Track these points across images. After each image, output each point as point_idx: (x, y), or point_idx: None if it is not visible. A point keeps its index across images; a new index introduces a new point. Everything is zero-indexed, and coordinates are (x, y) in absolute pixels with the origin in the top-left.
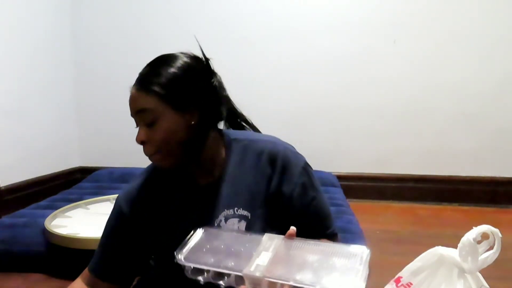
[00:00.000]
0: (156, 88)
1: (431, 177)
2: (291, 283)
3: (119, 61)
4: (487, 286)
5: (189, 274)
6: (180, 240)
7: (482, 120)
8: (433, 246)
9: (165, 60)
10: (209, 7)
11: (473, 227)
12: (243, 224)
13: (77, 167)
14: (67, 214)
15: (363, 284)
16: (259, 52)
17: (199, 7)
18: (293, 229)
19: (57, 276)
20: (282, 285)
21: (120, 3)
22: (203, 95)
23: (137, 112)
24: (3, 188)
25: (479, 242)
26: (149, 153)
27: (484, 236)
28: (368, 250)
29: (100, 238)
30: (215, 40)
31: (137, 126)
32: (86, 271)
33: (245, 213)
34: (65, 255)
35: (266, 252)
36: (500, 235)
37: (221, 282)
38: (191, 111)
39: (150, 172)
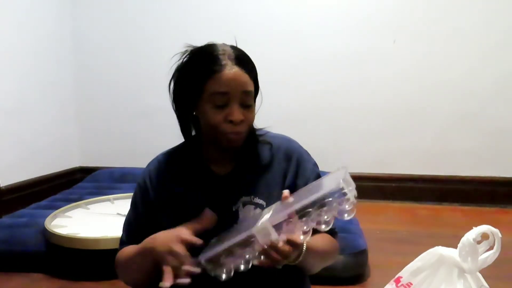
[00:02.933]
0: (254, 78)
1: (431, 177)
2: (294, 207)
3: (119, 61)
4: (487, 286)
5: (212, 272)
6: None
7: (482, 120)
8: (433, 246)
9: (246, 53)
10: (207, 7)
11: (473, 227)
12: (257, 212)
13: (77, 167)
14: (67, 214)
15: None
16: (258, 52)
17: (197, 8)
18: (286, 191)
19: (57, 276)
20: (288, 219)
21: (120, 4)
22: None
23: (245, 92)
24: (3, 188)
25: (479, 242)
26: (243, 131)
27: (484, 236)
28: (346, 168)
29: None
30: (213, 40)
31: (225, 104)
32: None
33: (260, 201)
34: (65, 255)
35: (267, 214)
36: (500, 235)
37: (241, 267)
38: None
39: (166, 159)
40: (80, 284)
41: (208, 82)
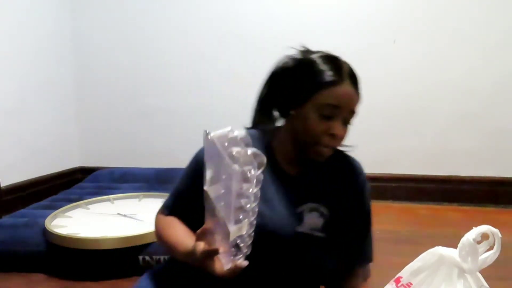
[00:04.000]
0: (360, 97)
1: (431, 177)
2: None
3: (119, 61)
4: (487, 286)
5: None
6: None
7: (482, 120)
8: (433, 246)
9: (357, 76)
10: (207, 7)
11: (473, 227)
12: (321, 221)
13: (77, 167)
14: (67, 214)
15: None
16: (258, 52)
17: (197, 8)
18: None
19: (57, 276)
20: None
21: (120, 4)
22: None
23: (352, 111)
24: (3, 188)
25: (479, 243)
26: (336, 146)
27: (484, 236)
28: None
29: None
30: (213, 40)
31: (332, 117)
32: (162, 213)
33: (325, 211)
34: (65, 255)
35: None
36: (500, 235)
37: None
38: None
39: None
40: (80, 284)
41: (323, 91)
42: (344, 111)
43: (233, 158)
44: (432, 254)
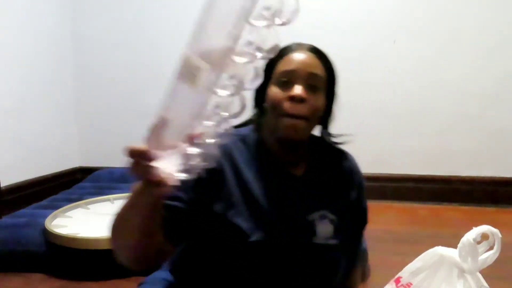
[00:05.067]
0: (327, 66)
1: (431, 177)
2: None
3: (119, 61)
4: (487, 286)
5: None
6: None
7: (482, 120)
8: (433, 246)
9: (321, 49)
10: None
11: (473, 227)
12: (331, 228)
13: (77, 167)
14: (67, 214)
15: None
16: None
17: (197, 8)
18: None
19: (57, 276)
20: None
21: (120, 4)
22: (334, 91)
23: (312, 73)
24: (3, 188)
25: (479, 243)
26: (302, 113)
27: (484, 236)
28: None
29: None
30: None
31: (291, 84)
32: None
33: (333, 217)
34: (65, 255)
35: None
36: (500, 235)
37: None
38: (325, 100)
39: (241, 140)
40: (80, 284)
41: (278, 63)
42: (301, 74)
43: None
44: (432, 254)
